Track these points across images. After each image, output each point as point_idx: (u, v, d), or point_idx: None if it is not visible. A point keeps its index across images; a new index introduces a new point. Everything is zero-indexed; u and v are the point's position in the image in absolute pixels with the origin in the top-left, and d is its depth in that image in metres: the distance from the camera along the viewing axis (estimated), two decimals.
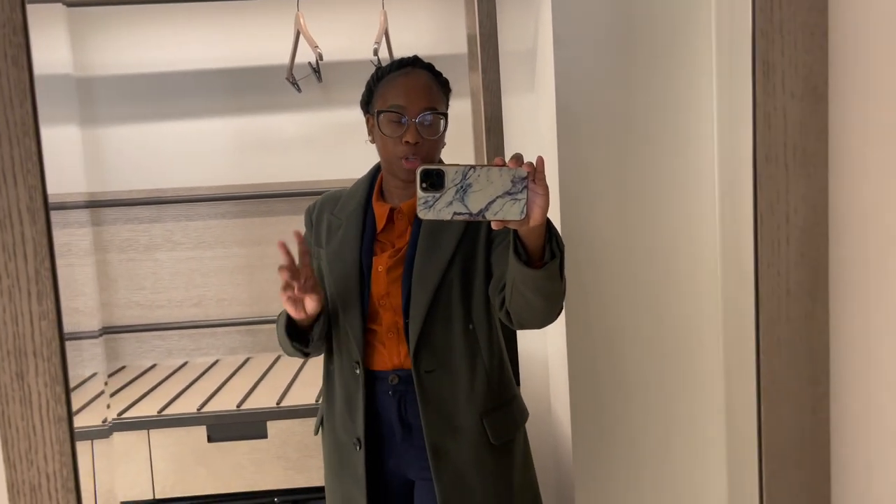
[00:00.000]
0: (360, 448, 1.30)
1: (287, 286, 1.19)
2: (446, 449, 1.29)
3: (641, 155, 1.60)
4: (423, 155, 1.27)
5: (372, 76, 1.33)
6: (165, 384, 2.14)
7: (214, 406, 1.91)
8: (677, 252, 1.62)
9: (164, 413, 1.88)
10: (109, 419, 1.84)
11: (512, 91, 1.96)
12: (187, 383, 2.12)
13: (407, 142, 1.24)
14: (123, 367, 2.36)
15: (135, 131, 2.32)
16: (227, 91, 2.31)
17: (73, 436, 0.52)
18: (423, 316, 1.27)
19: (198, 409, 1.88)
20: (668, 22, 1.57)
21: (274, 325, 1.40)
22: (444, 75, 1.38)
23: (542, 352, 1.96)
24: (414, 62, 1.32)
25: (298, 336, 1.30)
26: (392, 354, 1.31)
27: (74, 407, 1.62)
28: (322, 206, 1.41)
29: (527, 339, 2.04)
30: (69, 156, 2.30)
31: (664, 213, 1.61)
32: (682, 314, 1.63)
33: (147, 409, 1.91)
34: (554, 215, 1.65)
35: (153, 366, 2.36)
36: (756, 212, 0.67)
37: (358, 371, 1.31)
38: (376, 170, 1.40)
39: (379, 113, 1.27)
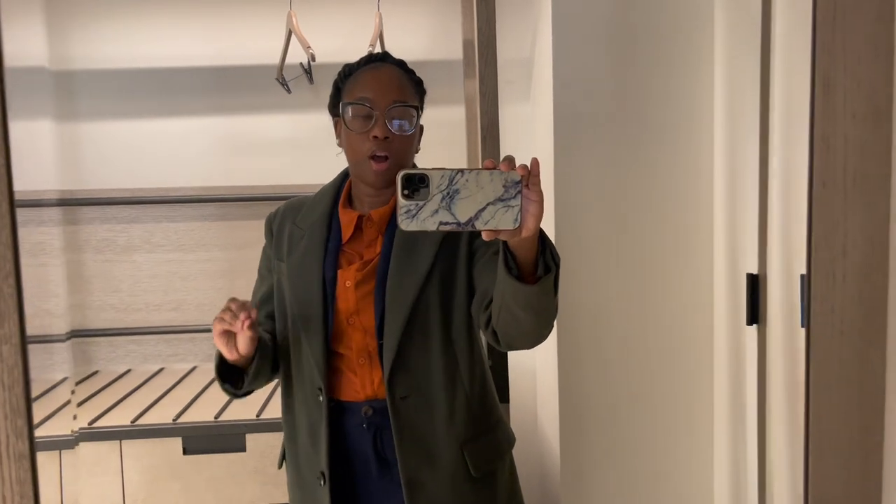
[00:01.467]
0: (324, 483, 1.18)
1: (226, 317, 1.07)
2: (422, 482, 1.18)
3: (639, 166, 1.57)
4: (392, 153, 1.15)
5: (339, 73, 1.22)
6: (140, 391, 2.05)
7: (191, 416, 1.83)
8: (674, 264, 1.59)
9: (137, 423, 1.80)
10: (76, 429, 1.76)
11: (507, 99, 1.92)
12: (163, 391, 2.04)
13: (375, 137, 1.13)
14: (96, 372, 2.27)
15: (116, 128, 2.24)
16: (213, 89, 2.24)
17: (37, 476, 0.46)
18: (399, 336, 1.15)
19: (173, 420, 1.80)
20: (669, 32, 1.55)
21: None
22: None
23: (531, 363, 1.91)
24: (384, 58, 1.22)
25: (229, 375, 1.18)
26: (365, 383, 1.19)
27: (43, 413, 1.53)
28: (284, 214, 1.29)
29: (515, 352, 1.99)
30: (44, 151, 2.22)
31: (661, 225, 1.58)
32: (677, 327, 1.60)
33: (120, 417, 1.83)
34: (548, 226, 1.61)
35: (127, 371, 2.27)
36: (810, 243, 0.62)
37: (321, 398, 1.18)
38: (344, 176, 1.28)
39: (345, 106, 1.16)
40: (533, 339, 1.08)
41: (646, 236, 1.59)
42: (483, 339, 1.24)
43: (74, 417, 1.77)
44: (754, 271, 1.39)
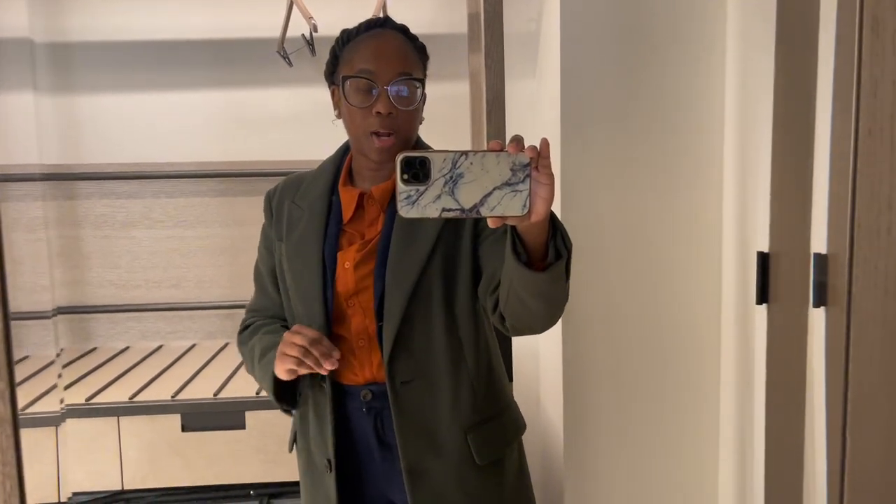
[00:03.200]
0: (330, 470, 1.15)
1: (309, 361, 1.06)
2: (425, 469, 1.13)
3: (647, 144, 1.54)
4: (397, 129, 1.09)
5: (337, 40, 1.15)
6: (138, 368, 2.03)
7: (190, 393, 1.81)
8: (681, 243, 1.57)
9: (135, 399, 1.78)
10: (64, 405, 1.73)
11: (512, 75, 1.88)
12: (161, 368, 2.02)
13: (378, 112, 1.07)
14: (95, 349, 2.25)
15: (115, 102, 2.20)
16: (213, 63, 2.20)
17: (19, 440, 0.43)
18: (400, 318, 1.10)
19: (172, 397, 1.78)
20: (680, 8, 1.51)
21: None
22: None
23: (533, 341, 1.88)
24: (385, 23, 1.14)
25: (286, 395, 1.17)
26: (364, 366, 1.15)
27: (35, 392, 1.51)
28: (283, 192, 1.22)
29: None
30: (42, 126, 2.18)
31: (670, 205, 1.56)
32: (684, 307, 1.58)
33: (118, 394, 1.81)
34: (555, 206, 1.58)
35: (126, 348, 2.25)
36: (854, 195, 0.58)
37: (325, 385, 1.15)
38: (345, 150, 1.22)
39: (345, 80, 1.09)
40: (542, 325, 1.04)
41: (653, 215, 1.56)
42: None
43: (61, 401, 1.74)
44: (765, 249, 1.37)
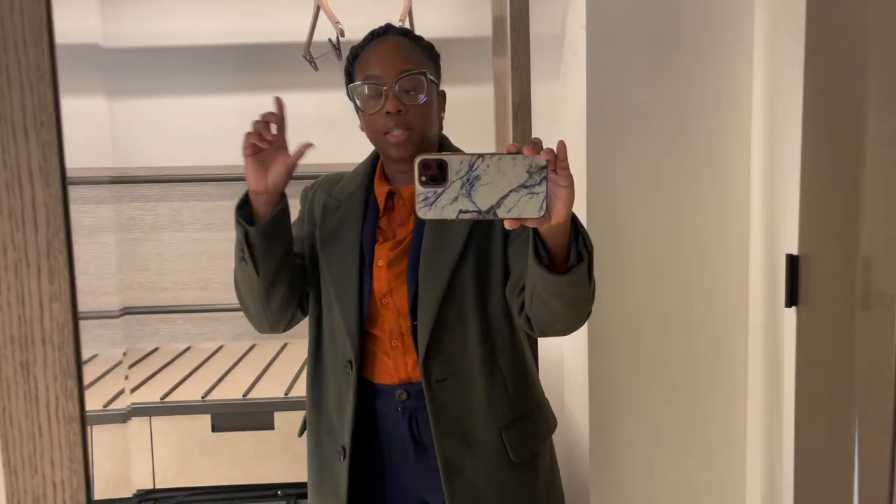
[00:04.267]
0: (343, 458, 1.16)
1: (258, 134, 1.03)
2: (461, 467, 1.15)
3: (675, 146, 1.53)
4: (409, 124, 1.11)
5: (347, 58, 1.20)
6: (168, 369, 2.06)
7: (219, 394, 1.83)
8: (708, 246, 1.56)
9: (167, 400, 1.80)
10: (129, 404, 1.77)
11: (536, 77, 1.88)
12: (191, 369, 2.05)
13: (388, 112, 1.09)
14: (126, 352, 2.28)
15: (143, 106, 2.24)
16: (241, 67, 2.23)
17: (87, 439, 0.44)
18: (434, 318, 1.12)
19: (202, 397, 1.81)
20: (707, 9, 1.50)
21: None
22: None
23: (558, 344, 1.88)
24: (386, 31, 1.17)
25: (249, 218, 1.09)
26: (398, 366, 1.17)
27: (99, 392, 1.53)
28: (320, 186, 1.26)
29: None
30: (72, 130, 2.22)
31: (696, 207, 1.55)
32: (711, 310, 1.57)
33: (149, 394, 1.84)
34: (580, 209, 1.58)
35: (155, 349, 2.28)
36: None
37: (350, 373, 1.16)
38: (377, 153, 1.25)
39: (354, 89, 1.13)
40: (567, 326, 1.04)
41: (680, 217, 1.56)
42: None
43: (122, 391, 1.77)
44: (794, 252, 1.36)
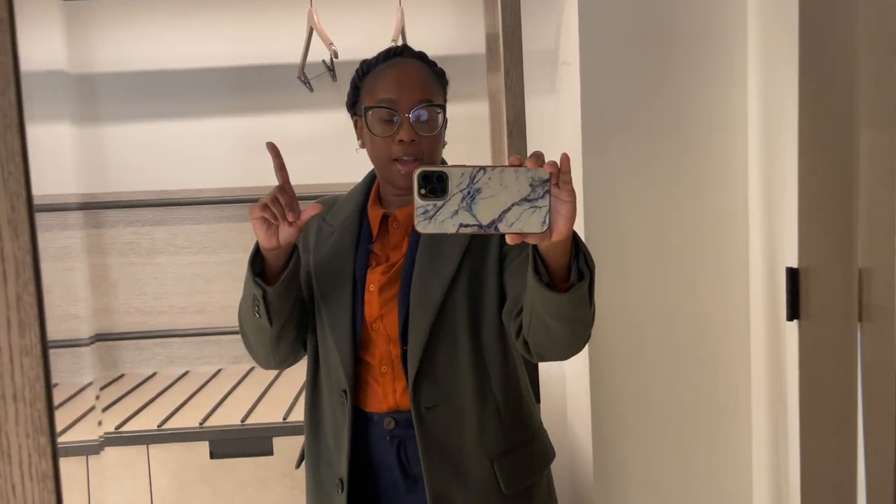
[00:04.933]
0: (342, 491, 1.13)
1: (274, 209, 0.98)
2: (450, 497, 1.11)
3: (670, 159, 1.52)
4: (420, 154, 1.09)
5: (357, 71, 1.17)
6: (166, 395, 2.04)
7: (217, 420, 1.81)
8: (708, 260, 1.55)
9: (164, 427, 1.78)
10: (102, 434, 1.74)
11: (531, 93, 1.88)
12: (189, 394, 2.03)
13: (401, 140, 1.07)
14: (122, 376, 2.26)
15: (139, 130, 2.23)
16: (235, 89, 2.23)
17: (61, 497, 0.43)
18: (424, 342, 1.09)
19: (200, 424, 1.79)
20: (700, 20, 1.50)
21: None
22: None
23: (559, 369, 1.87)
24: (403, 51, 1.15)
25: (264, 279, 1.07)
26: (387, 393, 1.14)
27: (67, 420, 1.52)
28: None
29: None
30: (67, 155, 2.21)
31: (694, 221, 1.54)
32: (712, 325, 1.55)
33: (146, 422, 1.82)
34: (578, 224, 1.57)
35: (153, 374, 2.27)
36: None
37: (345, 402, 1.13)
38: (373, 175, 1.23)
39: (367, 110, 1.10)
40: (566, 350, 1.02)
41: (678, 231, 1.55)
42: None
43: (99, 423, 1.75)
44: (794, 265, 1.35)
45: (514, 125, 1.66)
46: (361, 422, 1.15)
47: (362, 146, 1.17)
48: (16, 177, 0.42)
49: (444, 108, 1.14)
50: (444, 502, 1.11)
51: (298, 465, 1.28)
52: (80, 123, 2.21)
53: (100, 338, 2.24)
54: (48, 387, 0.44)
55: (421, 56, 1.17)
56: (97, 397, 1.80)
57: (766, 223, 1.48)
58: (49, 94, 2.16)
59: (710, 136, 1.53)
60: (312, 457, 1.22)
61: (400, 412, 1.13)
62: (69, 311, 2.18)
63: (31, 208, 0.43)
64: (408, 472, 1.15)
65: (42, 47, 2.17)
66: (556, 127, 1.81)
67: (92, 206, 2.20)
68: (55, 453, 0.45)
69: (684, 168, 1.54)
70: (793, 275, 1.35)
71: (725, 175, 1.54)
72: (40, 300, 0.43)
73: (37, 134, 2.17)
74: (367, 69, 1.16)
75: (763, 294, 1.50)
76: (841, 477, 1.22)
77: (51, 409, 0.45)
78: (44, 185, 2.17)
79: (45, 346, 0.44)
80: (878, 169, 1.09)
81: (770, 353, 1.48)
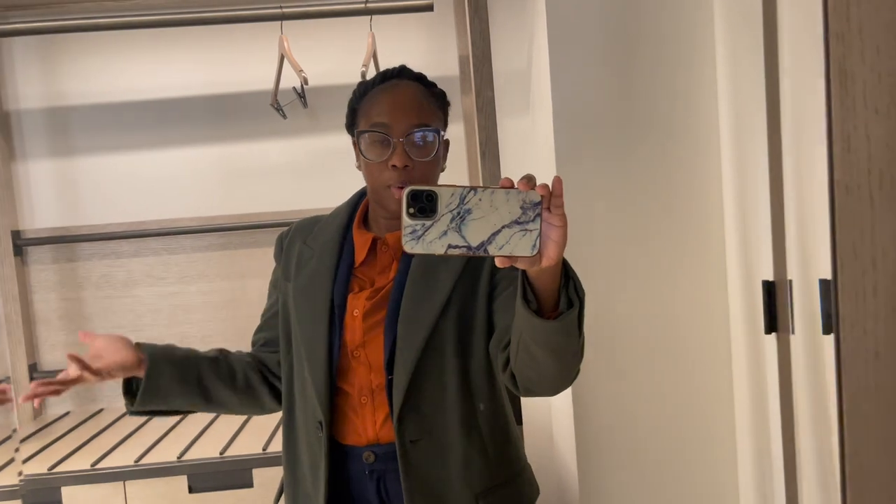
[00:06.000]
0: None
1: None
2: None
3: (644, 174, 1.53)
4: (414, 181, 1.05)
5: (354, 93, 1.14)
6: (143, 429, 2.00)
7: (196, 453, 1.78)
8: (686, 275, 1.55)
9: (141, 462, 1.75)
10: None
11: (506, 113, 1.88)
12: (166, 428, 1.99)
13: (393, 166, 1.05)
14: (101, 410, 2.22)
15: (111, 162, 2.21)
16: (208, 118, 2.22)
17: None
18: (411, 373, 1.05)
19: (178, 458, 1.75)
20: (667, 35, 1.51)
21: None
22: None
23: (545, 407, 1.86)
24: (400, 73, 1.13)
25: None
26: (366, 426, 1.10)
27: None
28: (295, 233, 1.21)
29: None
30: (39, 189, 2.19)
31: (670, 235, 1.54)
32: (693, 339, 1.55)
33: (124, 457, 1.78)
34: None
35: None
36: (834, 256, 0.55)
37: (321, 434, 1.10)
38: (360, 195, 1.21)
39: (360, 134, 1.08)
40: (553, 383, 0.97)
41: (656, 247, 1.55)
42: None
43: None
44: (770, 278, 1.34)
45: (487, 145, 1.66)
46: (339, 455, 1.12)
47: (359, 168, 1.14)
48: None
49: (440, 131, 1.10)
50: None
51: (277, 501, 1.25)
52: (52, 157, 2.19)
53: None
54: None
55: (419, 78, 1.14)
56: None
57: (742, 236, 1.48)
58: (22, 130, 2.15)
59: (682, 152, 1.54)
60: (290, 490, 1.18)
61: (380, 445, 1.10)
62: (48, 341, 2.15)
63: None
64: None
65: (14, 82, 2.16)
66: (532, 146, 1.81)
67: (66, 240, 2.18)
68: None
69: (658, 184, 1.54)
70: (769, 287, 1.35)
71: (699, 191, 1.55)
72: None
73: (12, 170, 2.16)
74: (363, 91, 1.13)
75: (741, 306, 1.50)
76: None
77: None
78: (19, 221, 2.15)
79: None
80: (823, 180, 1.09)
81: (751, 365, 1.47)
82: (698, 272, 1.55)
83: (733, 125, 1.47)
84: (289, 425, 1.18)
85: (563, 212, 0.78)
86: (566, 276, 0.88)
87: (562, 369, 0.94)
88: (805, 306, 1.20)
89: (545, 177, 1.54)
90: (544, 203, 0.77)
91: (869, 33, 0.50)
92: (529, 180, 0.76)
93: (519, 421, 1.82)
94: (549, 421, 1.86)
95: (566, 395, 1.58)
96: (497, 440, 1.12)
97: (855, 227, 0.51)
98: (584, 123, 1.52)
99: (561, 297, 0.88)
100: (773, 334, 1.35)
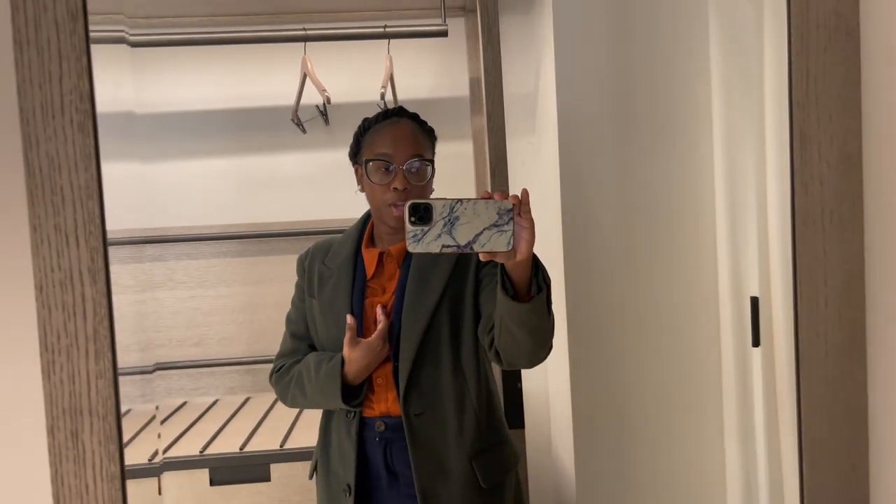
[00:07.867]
0: (349, 495, 1.30)
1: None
2: (436, 492, 1.29)
3: (643, 192, 1.62)
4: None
5: (359, 128, 1.38)
6: (166, 425, 2.11)
7: (217, 448, 1.89)
8: (680, 289, 1.63)
9: (166, 456, 1.85)
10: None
11: (513, 133, 1.99)
12: (188, 424, 2.10)
13: (395, 188, 1.28)
14: (129, 411, 2.32)
15: (138, 170, 2.33)
16: (230, 131, 2.33)
17: (126, 495, 0.53)
18: (413, 359, 1.28)
19: (200, 452, 1.86)
20: (669, 64, 1.61)
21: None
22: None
23: (543, 387, 1.95)
24: (399, 112, 1.36)
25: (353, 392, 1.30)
26: (380, 400, 1.32)
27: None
28: (313, 255, 1.43)
29: (529, 378, 2.04)
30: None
31: (666, 251, 1.63)
32: (686, 352, 1.63)
33: (150, 451, 1.88)
34: (557, 254, 1.67)
35: (156, 407, 2.33)
36: (795, 275, 0.70)
37: (351, 416, 1.32)
38: (366, 217, 1.43)
39: (367, 162, 1.31)
40: (529, 355, 1.19)
41: (651, 262, 1.64)
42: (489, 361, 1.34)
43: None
44: (757, 294, 1.45)
45: (497, 164, 1.77)
46: (360, 427, 1.33)
47: (361, 190, 1.37)
48: (95, 235, 0.53)
49: (432, 161, 1.35)
50: (431, 497, 1.28)
51: (311, 476, 1.43)
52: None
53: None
54: (117, 404, 0.54)
55: (414, 117, 1.37)
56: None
57: (733, 253, 1.57)
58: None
59: (681, 170, 1.62)
60: (324, 466, 1.38)
61: (390, 417, 1.31)
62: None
63: (107, 259, 0.53)
64: (391, 469, 1.32)
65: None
66: (537, 166, 1.92)
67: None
68: (122, 459, 0.54)
69: (657, 203, 1.63)
70: (755, 303, 1.46)
71: (696, 208, 1.64)
72: (112, 333, 0.53)
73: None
74: (367, 126, 1.37)
75: (731, 320, 1.59)
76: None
77: (119, 422, 0.54)
78: None
79: (115, 370, 0.54)
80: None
81: (739, 378, 1.57)
82: (692, 288, 1.65)
83: (726, 150, 1.57)
84: (327, 411, 1.39)
85: (531, 216, 1.00)
86: (536, 267, 1.09)
87: (535, 343, 1.16)
88: (786, 322, 1.30)
89: (551, 195, 1.65)
90: (515, 210, 0.98)
91: (823, 104, 0.65)
92: (503, 193, 0.98)
93: (521, 424, 1.93)
94: (548, 425, 1.96)
95: (565, 401, 1.68)
96: (485, 411, 1.34)
97: (811, 253, 0.65)
98: (588, 146, 1.62)
99: (532, 285, 1.09)
100: (759, 348, 1.45)
